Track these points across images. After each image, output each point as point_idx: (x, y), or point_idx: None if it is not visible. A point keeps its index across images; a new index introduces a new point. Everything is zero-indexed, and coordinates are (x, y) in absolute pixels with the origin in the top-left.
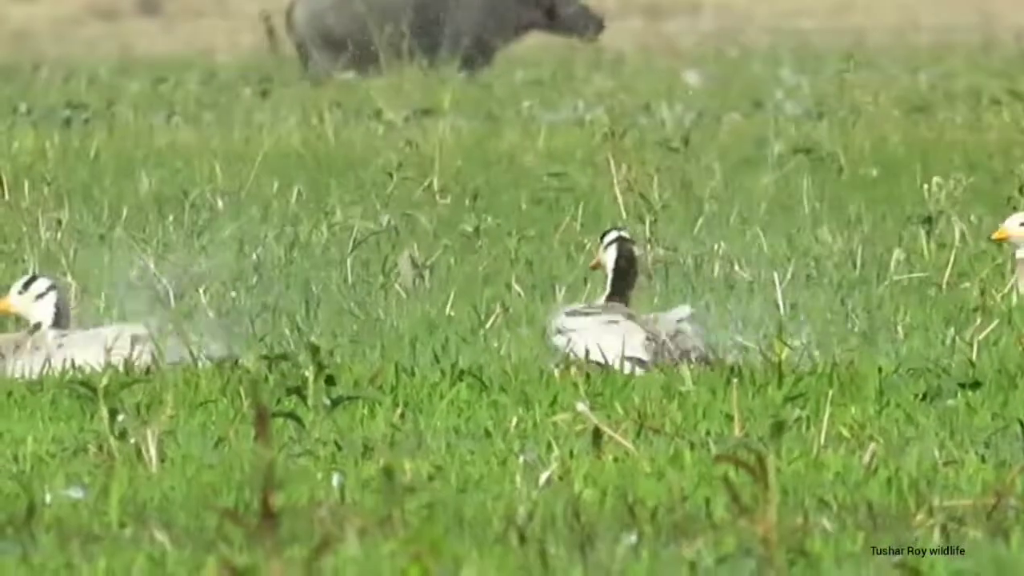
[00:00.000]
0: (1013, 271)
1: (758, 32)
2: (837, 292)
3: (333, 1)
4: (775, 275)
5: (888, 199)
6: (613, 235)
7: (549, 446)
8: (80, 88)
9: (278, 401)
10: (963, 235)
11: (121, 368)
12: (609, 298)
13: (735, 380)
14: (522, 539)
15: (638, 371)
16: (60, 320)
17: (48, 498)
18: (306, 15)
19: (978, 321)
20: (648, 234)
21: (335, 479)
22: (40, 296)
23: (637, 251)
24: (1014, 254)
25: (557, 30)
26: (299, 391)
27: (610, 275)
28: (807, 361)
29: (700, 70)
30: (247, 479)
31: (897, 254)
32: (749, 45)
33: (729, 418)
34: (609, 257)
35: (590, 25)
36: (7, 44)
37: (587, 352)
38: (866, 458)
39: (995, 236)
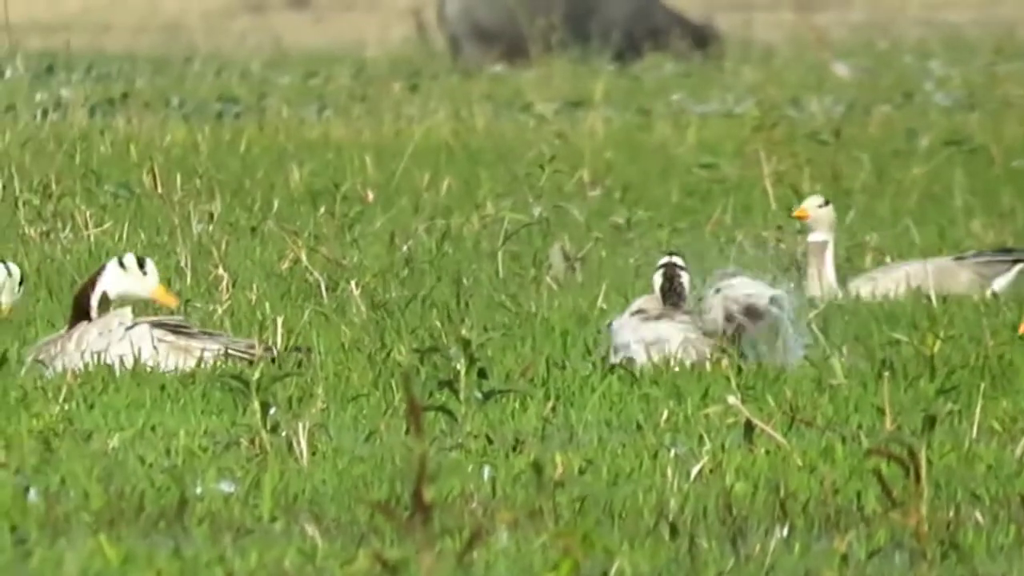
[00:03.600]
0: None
1: (908, 24)
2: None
3: None
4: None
5: None
6: (663, 260)
7: (700, 439)
8: (231, 81)
9: (430, 394)
10: None
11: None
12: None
13: (887, 373)
14: (673, 532)
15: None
16: None
17: (200, 491)
18: (457, 8)
19: None
20: (799, 226)
21: (486, 472)
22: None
23: (684, 277)
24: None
25: (687, 45)
26: (451, 384)
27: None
28: (959, 354)
29: (850, 62)
30: (398, 472)
31: None
32: (899, 37)
33: (880, 411)
34: (655, 282)
35: (711, 45)
36: (159, 37)
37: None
38: (1018, 451)
39: (795, 214)
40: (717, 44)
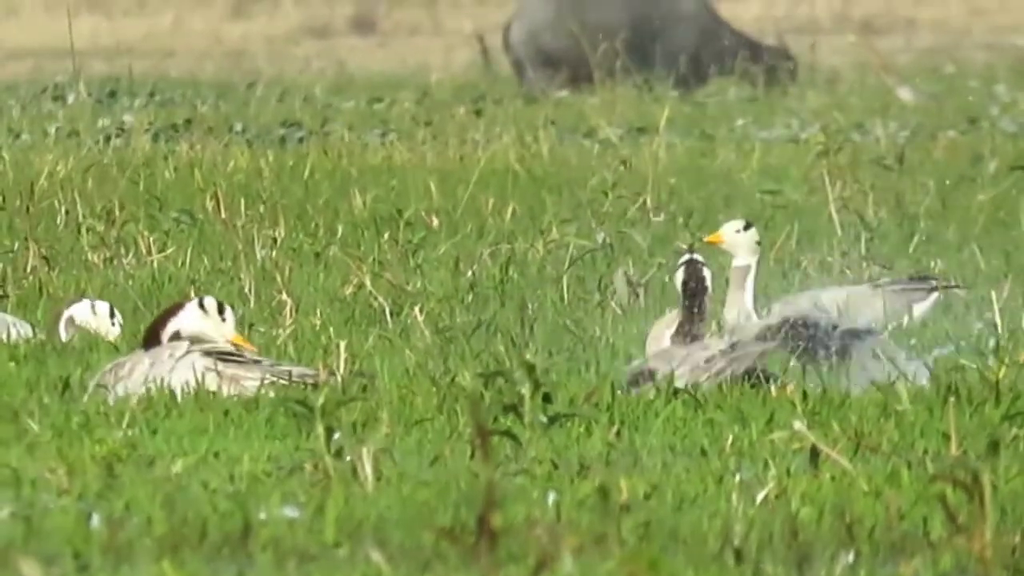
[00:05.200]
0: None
1: (974, 48)
2: None
3: (549, 20)
4: (992, 293)
5: None
6: (684, 258)
7: (766, 464)
8: (295, 106)
9: (494, 419)
10: None
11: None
12: (681, 322)
13: (952, 399)
14: (739, 557)
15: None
16: None
17: (264, 517)
18: (522, 34)
19: None
20: (863, 252)
21: (551, 497)
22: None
23: (706, 273)
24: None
25: (757, 66)
26: (515, 409)
27: (680, 298)
28: None
29: (915, 87)
30: (464, 498)
31: None
32: (965, 62)
33: (946, 437)
34: (677, 279)
35: (782, 66)
36: (222, 63)
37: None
38: None
39: (708, 239)
40: (790, 66)
